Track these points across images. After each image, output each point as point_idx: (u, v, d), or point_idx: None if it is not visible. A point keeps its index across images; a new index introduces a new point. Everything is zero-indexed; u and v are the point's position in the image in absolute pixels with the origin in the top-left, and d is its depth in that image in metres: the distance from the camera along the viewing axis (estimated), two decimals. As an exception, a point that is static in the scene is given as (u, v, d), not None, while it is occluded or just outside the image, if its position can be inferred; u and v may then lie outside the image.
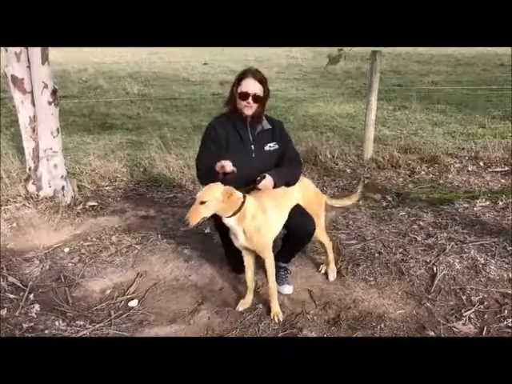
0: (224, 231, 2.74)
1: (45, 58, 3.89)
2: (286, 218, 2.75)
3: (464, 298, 2.89)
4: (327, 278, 3.11)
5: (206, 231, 3.77)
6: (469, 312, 2.74)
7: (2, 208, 3.99)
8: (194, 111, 8.21)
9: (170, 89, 10.12)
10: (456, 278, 3.09)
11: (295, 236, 2.83)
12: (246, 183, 2.66)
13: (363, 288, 3.01)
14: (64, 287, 3.05)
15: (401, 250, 3.46)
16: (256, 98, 2.73)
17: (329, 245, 3.10)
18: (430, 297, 2.90)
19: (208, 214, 2.45)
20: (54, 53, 5.15)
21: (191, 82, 11.03)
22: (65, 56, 13.44)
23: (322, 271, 3.18)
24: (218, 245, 3.26)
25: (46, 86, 3.93)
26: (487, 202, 4.29)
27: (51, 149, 4.10)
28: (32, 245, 3.56)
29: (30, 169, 4.17)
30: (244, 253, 2.74)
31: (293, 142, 3.02)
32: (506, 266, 3.21)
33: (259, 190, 2.67)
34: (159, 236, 3.69)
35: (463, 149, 5.90)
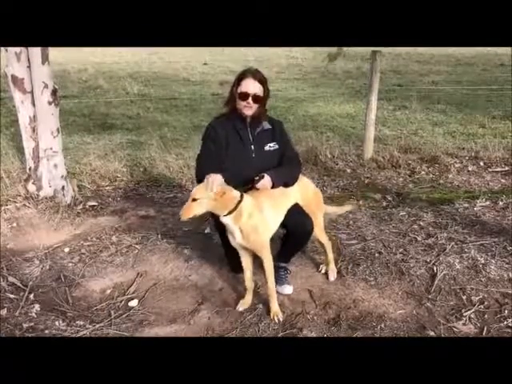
0: (224, 231, 2.75)
1: (45, 58, 3.89)
2: (282, 217, 2.75)
3: (464, 297, 2.89)
4: (327, 277, 3.11)
5: (206, 231, 3.77)
6: (469, 312, 2.74)
7: (2, 208, 3.99)
8: (194, 111, 8.21)
9: (170, 89, 10.12)
10: (456, 277, 3.09)
11: (294, 236, 2.83)
12: (246, 183, 2.66)
13: (363, 288, 3.01)
14: (64, 287, 3.04)
15: (401, 249, 3.46)
16: (256, 98, 2.73)
17: (328, 244, 3.10)
18: (430, 297, 2.90)
19: (200, 211, 2.48)
20: (54, 53, 5.14)
21: (191, 82, 11.03)
22: (65, 56, 13.44)
23: (322, 271, 3.18)
24: (218, 245, 3.26)
25: (46, 86, 3.93)
26: (487, 202, 4.29)
27: (51, 149, 4.10)
28: (32, 245, 3.56)
29: (30, 169, 4.17)
30: (241, 253, 2.75)
31: (292, 142, 3.02)
32: (506, 265, 3.21)
33: (257, 189, 2.67)
34: (159, 236, 3.69)
35: (463, 149, 5.90)
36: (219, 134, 2.77)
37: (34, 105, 3.98)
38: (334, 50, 3.41)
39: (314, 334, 2.58)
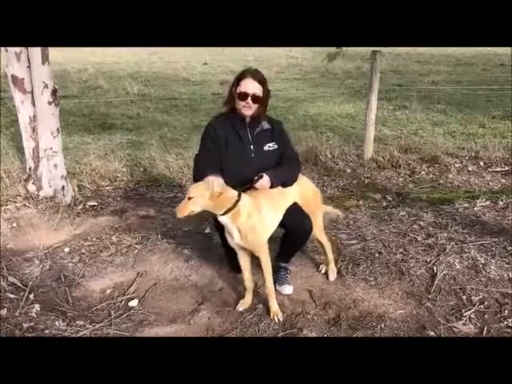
0: (224, 231, 2.75)
1: (45, 58, 3.89)
2: (281, 217, 2.75)
3: (464, 297, 2.89)
4: (327, 277, 3.11)
5: (206, 231, 3.77)
6: (469, 312, 2.74)
7: (2, 208, 3.99)
8: (194, 111, 8.21)
9: (170, 89, 10.11)
10: (456, 277, 3.09)
11: (293, 235, 2.83)
12: (245, 183, 2.66)
13: (363, 288, 3.01)
14: (64, 287, 3.05)
15: (401, 249, 3.46)
16: (255, 99, 2.72)
17: (327, 244, 3.09)
18: (430, 297, 2.90)
19: (196, 210, 2.49)
20: (54, 53, 5.15)
21: (191, 82, 11.03)
22: (65, 56, 13.44)
23: (322, 271, 3.18)
24: (218, 245, 3.26)
25: (46, 86, 3.93)
26: (487, 202, 4.29)
27: (51, 149, 4.10)
28: (32, 245, 3.56)
29: (30, 169, 4.17)
30: (239, 253, 2.75)
31: (292, 142, 3.02)
32: (507, 265, 3.21)
33: (256, 189, 2.67)
34: (159, 236, 3.69)
35: (463, 149, 5.90)
36: (218, 134, 2.77)
37: (34, 105, 3.98)
38: (333, 49, 3.40)
39: (314, 334, 2.58)
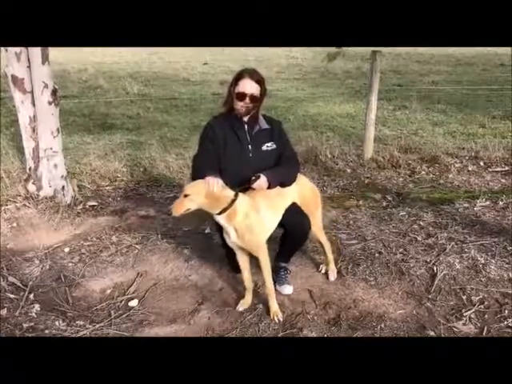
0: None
1: (45, 58, 3.89)
2: (280, 217, 2.75)
3: (464, 297, 2.89)
4: (327, 277, 3.11)
5: (206, 231, 3.78)
6: (469, 312, 2.74)
7: (2, 208, 3.99)
8: (194, 111, 8.21)
9: (170, 89, 10.11)
10: (456, 277, 3.09)
11: (292, 235, 2.83)
12: (243, 183, 2.66)
13: (363, 288, 3.01)
14: (64, 287, 3.05)
15: (401, 249, 3.46)
16: (253, 99, 2.72)
17: (327, 244, 3.09)
18: (430, 297, 2.90)
19: (191, 207, 2.49)
20: (54, 53, 5.15)
21: (191, 82, 11.03)
22: (65, 56, 13.44)
23: (322, 271, 3.18)
24: (217, 245, 3.26)
25: (46, 86, 3.93)
26: (487, 202, 4.29)
27: (51, 149, 4.10)
28: (32, 245, 3.56)
29: (30, 169, 4.17)
30: (238, 253, 2.75)
31: (291, 143, 3.01)
32: (507, 265, 3.21)
33: (254, 189, 2.67)
34: (159, 236, 3.69)
35: (463, 149, 5.89)
36: (217, 134, 2.78)
37: (34, 105, 3.98)
38: (333, 49, 3.40)
39: (314, 334, 2.58)
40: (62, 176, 4.23)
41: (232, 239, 2.63)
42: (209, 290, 3.02)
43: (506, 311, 2.74)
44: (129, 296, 2.95)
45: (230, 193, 2.53)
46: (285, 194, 2.79)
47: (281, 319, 2.69)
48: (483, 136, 6.38)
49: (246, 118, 2.80)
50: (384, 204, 4.37)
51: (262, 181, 2.66)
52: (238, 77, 2.74)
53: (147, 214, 4.17)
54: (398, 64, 13.70)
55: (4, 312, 2.75)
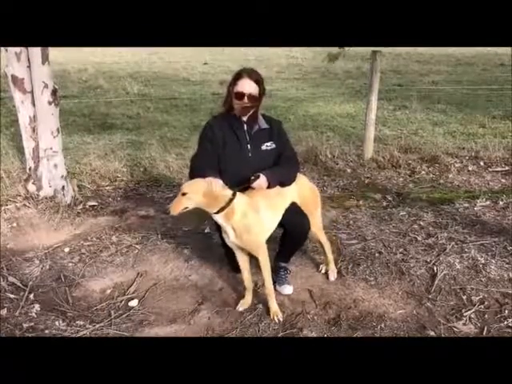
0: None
1: (45, 58, 3.89)
2: (279, 217, 2.75)
3: (464, 297, 2.89)
4: (327, 277, 3.11)
5: (206, 231, 3.77)
6: (469, 312, 2.74)
7: (2, 208, 3.99)
8: (194, 111, 8.21)
9: (170, 89, 10.11)
10: (456, 277, 3.09)
11: (292, 235, 2.83)
12: (242, 182, 2.67)
13: (363, 288, 3.01)
14: (64, 287, 3.05)
15: (401, 249, 3.46)
16: (252, 98, 2.72)
17: (327, 244, 3.09)
18: (430, 297, 2.90)
19: (189, 206, 2.49)
20: (54, 53, 5.15)
21: (191, 82, 11.03)
22: (65, 56, 13.44)
23: (322, 271, 3.18)
24: (217, 245, 3.26)
25: (46, 86, 3.93)
26: (487, 202, 4.29)
27: (51, 149, 4.10)
28: (32, 245, 3.56)
29: (30, 169, 4.17)
30: (237, 252, 2.75)
31: (291, 142, 3.01)
32: (507, 265, 3.21)
33: (253, 188, 2.67)
34: (159, 236, 3.69)
35: (463, 148, 5.89)
36: (216, 134, 2.78)
37: (34, 105, 3.98)
38: (334, 50, 3.40)
39: (314, 334, 2.58)
40: (62, 176, 4.23)
41: (230, 239, 2.63)
42: (209, 290, 3.02)
43: (506, 311, 2.74)
44: (129, 296, 2.95)
45: (228, 192, 2.53)
46: (284, 193, 2.79)
47: (281, 319, 2.69)
48: (483, 136, 6.38)
49: (245, 118, 2.80)
50: (384, 204, 4.37)
51: (262, 180, 2.66)
52: (237, 76, 2.74)
53: (147, 214, 4.17)
54: (398, 64, 13.70)
55: (4, 312, 2.75)
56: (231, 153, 2.78)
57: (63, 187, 4.22)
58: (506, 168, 5.28)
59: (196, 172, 2.66)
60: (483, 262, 3.25)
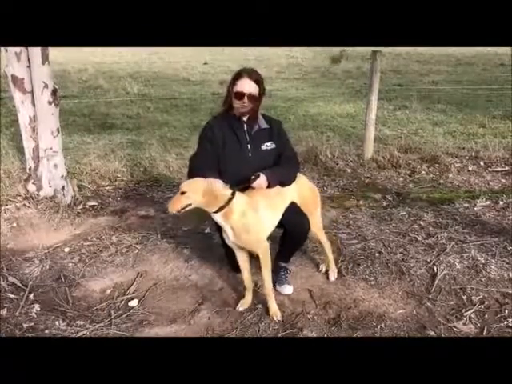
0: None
1: (45, 58, 3.88)
2: (279, 217, 2.75)
3: (464, 297, 2.89)
4: (327, 277, 3.11)
5: (206, 231, 3.77)
6: (469, 312, 2.74)
7: (2, 208, 3.99)
8: (194, 111, 8.21)
9: (170, 89, 10.11)
10: (456, 277, 3.09)
11: (291, 235, 2.84)
12: (242, 182, 2.67)
13: (363, 288, 3.01)
14: (64, 287, 3.04)
15: (401, 249, 3.46)
16: (251, 98, 2.72)
17: (327, 244, 3.09)
18: (430, 296, 2.90)
19: (189, 205, 2.49)
20: (54, 53, 5.15)
21: (191, 82, 11.03)
22: (65, 56, 13.44)
23: (322, 270, 3.18)
24: (218, 244, 3.26)
25: (46, 86, 3.93)
26: (487, 202, 4.29)
27: (51, 149, 4.10)
28: (32, 245, 3.56)
29: (30, 169, 4.17)
30: (237, 252, 2.75)
31: (291, 142, 3.01)
32: (507, 265, 3.21)
33: (253, 188, 2.67)
34: (159, 236, 3.69)
35: (463, 148, 5.89)
36: (216, 134, 2.78)
37: (34, 105, 3.98)
38: (336, 52, 3.40)
39: (314, 334, 2.58)
40: (62, 176, 4.23)
41: (230, 238, 2.64)
42: (209, 290, 3.02)
43: (506, 311, 2.74)
44: (129, 296, 2.95)
45: (228, 191, 2.53)
46: (284, 193, 2.79)
47: (279, 319, 2.69)
48: (483, 136, 6.38)
49: (245, 118, 2.80)
50: (384, 204, 4.36)
51: (262, 180, 2.67)
52: (237, 76, 2.74)
53: (147, 213, 4.17)
54: (398, 64, 13.69)
55: (4, 312, 2.75)
56: (231, 153, 2.78)
57: (63, 187, 4.22)
58: (506, 168, 5.28)
59: (195, 172, 2.67)
60: (483, 261, 3.25)
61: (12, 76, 3.91)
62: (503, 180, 4.97)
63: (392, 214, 4.08)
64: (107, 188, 4.72)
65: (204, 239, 3.67)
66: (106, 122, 7.42)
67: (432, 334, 2.57)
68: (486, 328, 2.60)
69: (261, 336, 2.58)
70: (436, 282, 3.04)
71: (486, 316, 2.71)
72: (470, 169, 5.30)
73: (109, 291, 3.01)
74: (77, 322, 2.70)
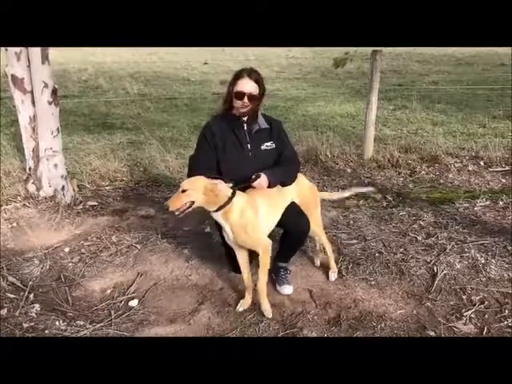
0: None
1: (45, 58, 3.88)
2: (279, 217, 2.75)
3: (464, 297, 2.89)
4: (328, 277, 3.11)
5: (206, 231, 3.77)
6: (469, 312, 2.74)
7: (2, 208, 3.99)
8: (194, 111, 8.21)
9: (170, 89, 10.12)
10: (456, 277, 3.09)
11: (291, 235, 2.84)
12: (243, 182, 2.67)
13: (363, 288, 3.01)
14: (64, 287, 3.05)
15: (401, 249, 3.46)
16: (251, 98, 2.72)
17: (327, 243, 3.09)
18: (430, 296, 2.90)
19: (189, 203, 2.48)
20: (54, 53, 5.15)
21: (191, 82, 11.04)
22: (65, 56, 13.45)
23: (317, 264, 3.19)
24: (218, 244, 3.26)
25: (46, 86, 3.93)
26: (487, 202, 4.29)
27: (51, 148, 4.10)
28: (32, 245, 3.56)
29: (30, 169, 4.17)
30: (237, 252, 2.76)
31: (291, 142, 3.01)
32: (507, 265, 3.21)
33: (254, 188, 2.67)
34: (159, 236, 3.69)
35: (463, 148, 5.89)
36: (215, 134, 2.78)
37: (34, 105, 3.98)
38: (338, 54, 3.39)
39: (314, 334, 2.58)
40: (62, 176, 4.23)
41: (229, 237, 2.64)
42: (209, 290, 3.02)
43: (506, 311, 2.74)
44: (129, 296, 2.95)
45: (228, 190, 2.53)
46: (285, 193, 2.80)
47: (270, 316, 2.70)
48: (483, 136, 6.38)
49: (245, 118, 2.80)
50: (384, 204, 4.36)
51: (263, 180, 2.67)
52: (237, 76, 2.74)
53: (147, 213, 4.17)
54: (398, 64, 13.70)
55: (4, 312, 2.75)
56: (231, 153, 2.78)
57: (63, 187, 4.22)
58: (506, 168, 5.28)
59: (194, 171, 2.68)
60: (483, 261, 3.25)
61: (12, 76, 3.91)
62: (503, 180, 4.96)
63: (392, 214, 4.08)
64: (107, 188, 4.72)
65: (204, 239, 3.67)
66: (105, 121, 7.43)
67: (432, 334, 2.57)
68: (486, 328, 2.60)
69: (261, 336, 2.58)
70: (436, 281, 3.04)
71: (486, 316, 2.71)
72: (470, 169, 5.30)
73: (109, 291, 3.02)
74: (77, 322, 2.70)
